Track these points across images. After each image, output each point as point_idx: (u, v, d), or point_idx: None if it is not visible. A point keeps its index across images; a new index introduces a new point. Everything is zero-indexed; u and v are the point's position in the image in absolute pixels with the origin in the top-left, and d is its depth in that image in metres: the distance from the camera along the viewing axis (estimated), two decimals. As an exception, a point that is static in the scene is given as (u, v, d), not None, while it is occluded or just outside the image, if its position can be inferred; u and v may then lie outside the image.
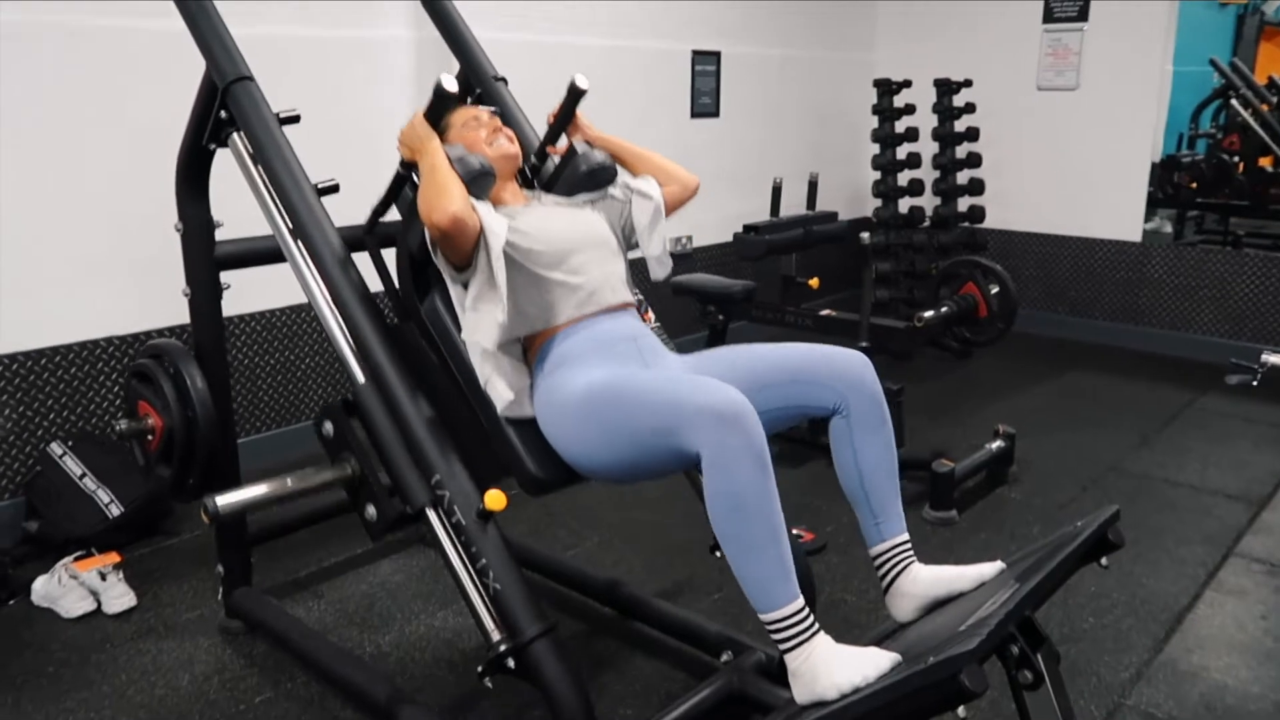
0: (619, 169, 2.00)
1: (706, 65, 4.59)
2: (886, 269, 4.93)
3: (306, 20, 3.25)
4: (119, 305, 3.01)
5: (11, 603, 2.54)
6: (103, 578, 2.51)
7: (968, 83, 4.93)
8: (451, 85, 1.71)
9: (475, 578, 1.64)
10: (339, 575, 2.71)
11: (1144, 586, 2.62)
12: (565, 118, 1.98)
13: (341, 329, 1.81)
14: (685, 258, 4.62)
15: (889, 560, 1.65)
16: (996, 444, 3.26)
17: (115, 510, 2.79)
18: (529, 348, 1.80)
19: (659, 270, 1.96)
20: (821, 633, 1.43)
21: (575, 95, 1.94)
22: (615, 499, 3.08)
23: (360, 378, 1.78)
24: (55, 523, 2.79)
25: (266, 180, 1.90)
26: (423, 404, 1.74)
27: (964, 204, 5.02)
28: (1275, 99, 6.57)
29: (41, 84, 2.74)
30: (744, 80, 4.82)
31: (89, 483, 2.84)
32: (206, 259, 2.19)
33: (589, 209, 1.94)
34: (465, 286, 1.74)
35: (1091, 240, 5.12)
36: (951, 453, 3.18)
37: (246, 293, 2.59)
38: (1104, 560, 1.53)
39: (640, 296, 1.99)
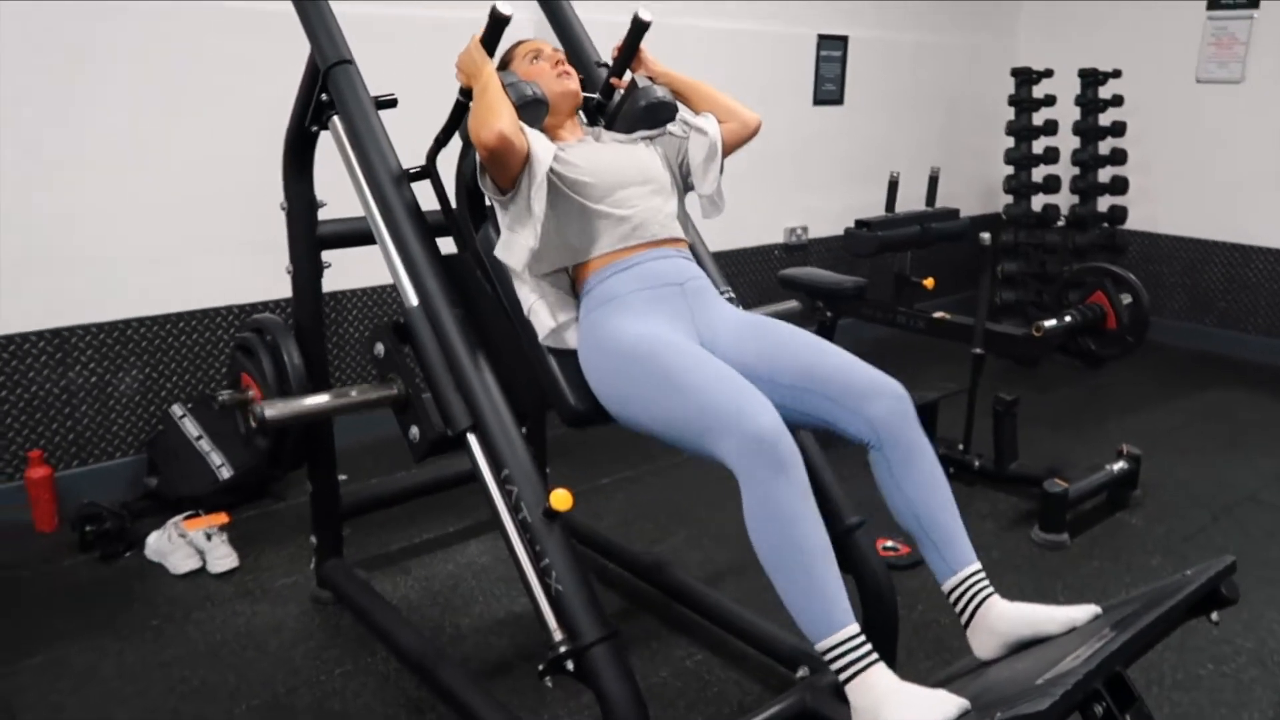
0: (680, 106, 1.96)
1: (832, 50, 4.43)
2: (1014, 270, 4.67)
3: None
4: (238, 276, 3.13)
5: (128, 555, 2.69)
6: (208, 538, 2.63)
7: (1116, 73, 4.60)
8: (507, 9, 1.73)
9: (539, 576, 1.62)
10: (428, 553, 2.76)
11: (1274, 635, 2.39)
12: (629, 52, 1.97)
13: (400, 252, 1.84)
14: (800, 249, 4.49)
15: (964, 594, 1.54)
16: (1119, 465, 3.03)
17: (226, 473, 2.92)
18: (575, 279, 1.80)
19: (711, 210, 1.93)
20: (881, 664, 1.35)
21: (639, 28, 1.92)
22: (709, 495, 3.03)
23: (413, 299, 1.79)
24: (172, 481, 2.94)
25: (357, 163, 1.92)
26: (470, 331, 1.75)
27: (1104, 204, 4.71)
28: None
29: (170, 61, 2.87)
30: (872, 67, 4.63)
31: (204, 445, 2.98)
32: (309, 237, 2.24)
33: (645, 145, 1.91)
34: (505, 210, 1.75)
35: (1247, 247, 4.72)
36: (1069, 471, 2.98)
37: (350, 269, 2.65)
38: (1214, 616, 1.38)
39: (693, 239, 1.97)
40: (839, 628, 1.36)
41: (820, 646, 1.38)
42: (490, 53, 1.78)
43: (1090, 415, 3.91)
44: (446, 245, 1.91)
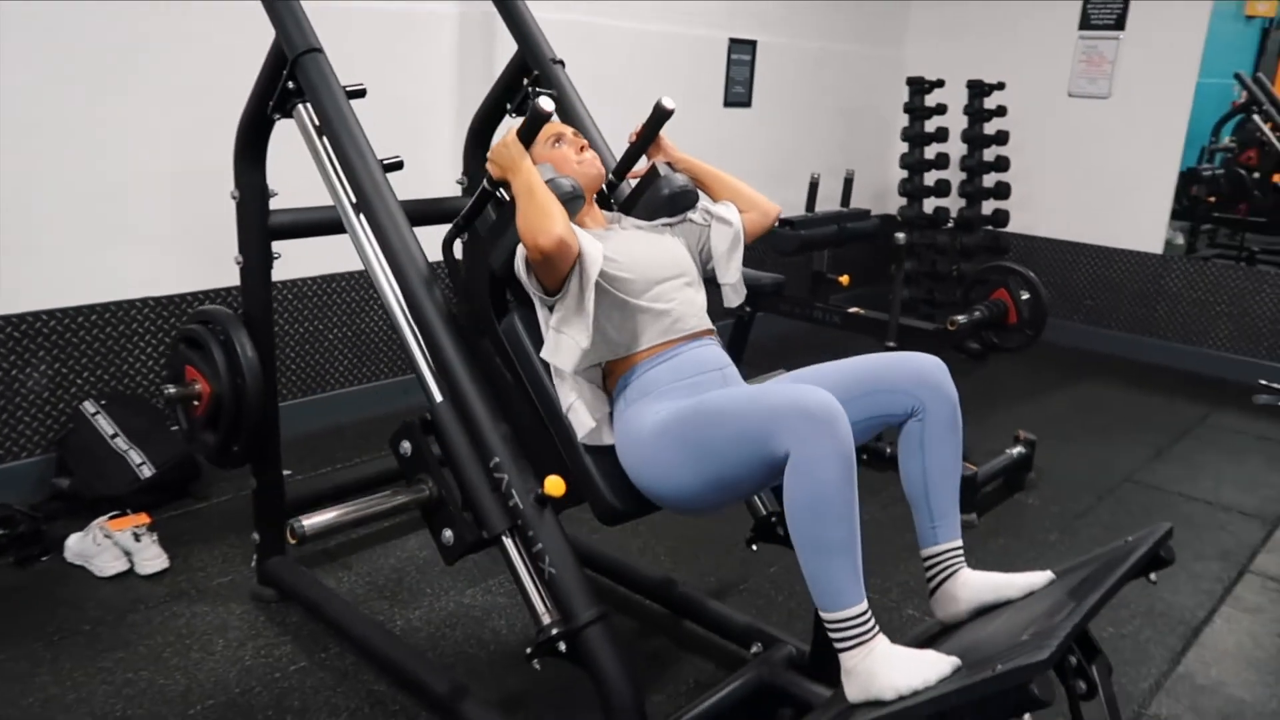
0: (699, 193, 1.97)
1: (742, 54, 4.58)
2: (909, 268, 4.94)
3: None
4: (157, 268, 3.02)
5: (44, 559, 2.56)
6: (136, 538, 2.53)
7: (1000, 85, 4.93)
8: (549, 105, 1.68)
9: (530, 561, 1.66)
10: (368, 548, 2.73)
11: (1162, 600, 2.66)
12: (648, 137, 1.95)
13: (413, 330, 1.81)
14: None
15: (941, 563, 1.68)
16: (1017, 450, 3.29)
17: (147, 471, 2.81)
18: (609, 374, 1.77)
19: (734, 298, 1.93)
20: (881, 634, 1.46)
21: (661, 116, 1.91)
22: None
23: (438, 396, 1.77)
24: (87, 481, 2.80)
25: (331, 152, 1.91)
26: (502, 426, 1.73)
27: (988, 207, 5.04)
28: (1299, 117, 6.61)
29: (85, 45, 2.73)
30: (778, 71, 4.81)
31: (120, 443, 2.85)
32: (260, 227, 2.20)
33: (668, 234, 1.91)
34: (551, 310, 1.71)
35: (1112, 250, 5.15)
36: (972, 456, 3.21)
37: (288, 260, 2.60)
38: (1153, 576, 1.56)
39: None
40: (857, 601, 1.45)
41: (833, 617, 1.46)
42: (527, 147, 1.74)
43: (981, 406, 4.19)
44: (431, 238, 1.91)
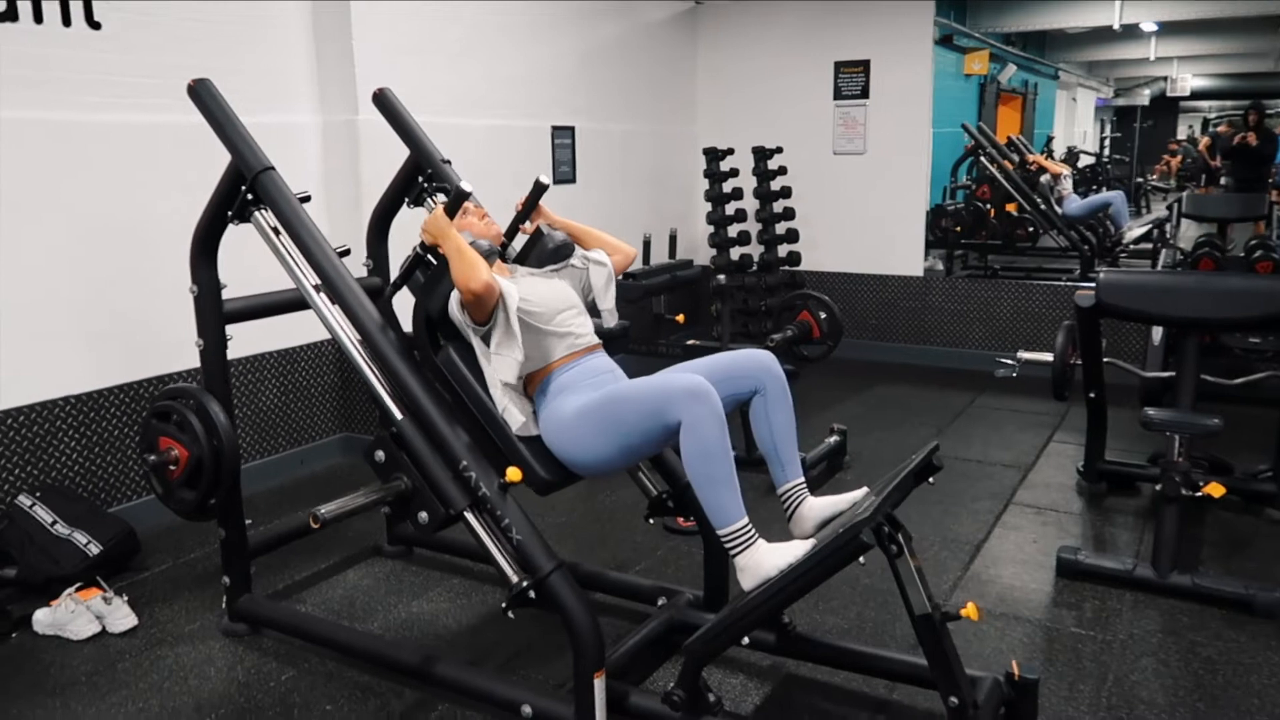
0: (574, 245, 2.59)
1: (564, 139, 5.30)
2: (727, 308, 5.75)
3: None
4: (73, 368, 3.32)
5: (14, 636, 2.81)
6: (107, 601, 2.84)
7: (779, 149, 5.88)
8: (469, 188, 2.32)
9: (501, 534, 2.19)
10: (313, 585, 3.13)
11: (950, 530, 3.47)
12: (530, 206, 2.55)
13: (376, 376, 2.34)
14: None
15: (791, 494, 2.33)
16: (833, 439, 4.08)
17: (94, 549, 3.09)
18: (529, 383, 2.36)
19: (611, 320, 2.58)
20: (761, 538, 2.10)
21: (539, 189, 2.51)
22: (538, 504, 3.65)
23: (398, 415, 2.29)
24: (35, 566, 3.05)
25: (293, 248, 2.41)
26: (459, 432, 2.28)
27: (783, 250, 5.94)
28: (1015, 156, 8.06)
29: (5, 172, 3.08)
30: (596, 150, 5.56)
31: (61, 528, 3.12)
32: (217, 314, 2.64)
33: (556, 277, 2.52)
34: (484, 339, 2.28)
35: (885, 276, 6.19)
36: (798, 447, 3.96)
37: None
38: (932, 479, 2.27)
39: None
40: (741, 516, 2.09)
41: (727, 531, 2.09)
42: (450, 219, 2.30)
43: (801, 412, 4.96)
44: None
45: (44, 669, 2.63)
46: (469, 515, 2.22)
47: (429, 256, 2.36)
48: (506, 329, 2.25)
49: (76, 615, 2.80)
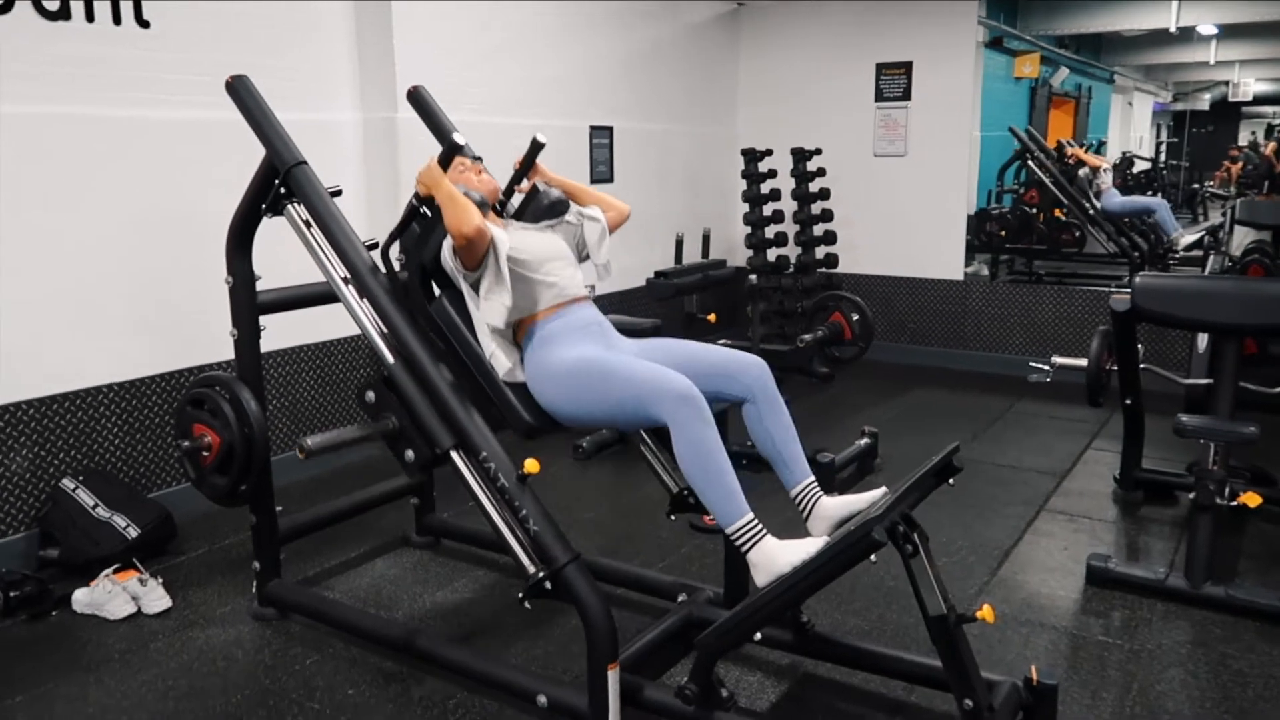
0: (570, 202, 2.62)
1: (602, 139, 5.33)
2: (761, 308, 5.74)
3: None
4: (119, 356, 3.42)
5: (54, 614, 2.90)
6: (143, 583, 2.92)
7: (818, 150, 5.86)
8: (461, 139, 2.39)
9: (518, 525, 2.22)
10: (341, 574, 3.19)
11: (981, 535, 3.43)
12: (528, 164, 2.58)
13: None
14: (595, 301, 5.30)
15: (803, 495, 2.32)
16: (864, 441, 4.05)
17: (133, 532, 3.19)
18: (517, 329, 2.40)
19: (605, 274, 2.62)
20: (770, 534, 2.10)
21: (536, 147, 2.53)
22: (567, 499, 3.68)
23: (390, 359, 2.36)
24: (76, 547, 3.15)
25: (323, 240, 2.46)
26: (444, 372, 2.34)
27: (821, 252, 5.92)
28: (1064, 161, 7.93)
29: (50, 163, 3.19)
30: (633, 151, 5.59)
31: (102, 511, 3.22)
32: (251, 305, 2.70)
33: (550, 231, 2.55)
34: (474, 286, 2.34)
35: (923, 280, 6.13)
36: (830, 448, 3.94)
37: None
38: (952, 480, 2.25)
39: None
40: (745, 513, 2.09)
41: (732, 529, 2.09)
42: (444, 170, 2.37)
43: (832, 416, 4.98)
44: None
45: (80, 646, 2.72)
46: (455, 455, 2.27)
47: (424, 209, 2.42)
48: (497, 274, 2.29)
49: (113, 595, 2.88)
